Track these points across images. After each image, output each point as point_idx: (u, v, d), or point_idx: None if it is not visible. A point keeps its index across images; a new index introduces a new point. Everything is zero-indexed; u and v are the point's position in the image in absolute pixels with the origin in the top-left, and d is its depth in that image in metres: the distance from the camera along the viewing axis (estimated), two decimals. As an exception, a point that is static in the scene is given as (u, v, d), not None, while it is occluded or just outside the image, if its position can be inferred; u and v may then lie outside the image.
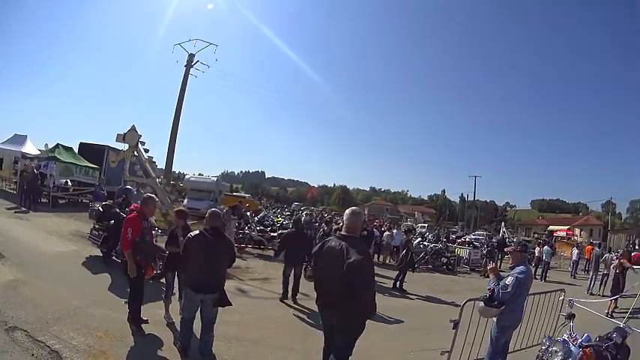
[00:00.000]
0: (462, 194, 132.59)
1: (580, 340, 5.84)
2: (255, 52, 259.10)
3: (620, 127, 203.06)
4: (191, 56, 43.59)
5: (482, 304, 7.00)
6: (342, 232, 5.58)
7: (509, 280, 6.75)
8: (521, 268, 6.99)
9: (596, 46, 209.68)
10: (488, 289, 7.02)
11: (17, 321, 7.02)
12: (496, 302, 6.82)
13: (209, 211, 7.16)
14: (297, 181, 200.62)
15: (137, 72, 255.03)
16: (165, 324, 8.24)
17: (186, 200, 32.68)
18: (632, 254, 18.64)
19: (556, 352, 5.66)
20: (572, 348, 5.57)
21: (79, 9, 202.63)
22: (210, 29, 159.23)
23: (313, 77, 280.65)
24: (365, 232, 16.56)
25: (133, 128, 21.99)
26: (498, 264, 29.05)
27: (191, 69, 43.88)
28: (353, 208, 5.85)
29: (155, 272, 8.57)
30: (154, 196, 9.28)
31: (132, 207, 8.45)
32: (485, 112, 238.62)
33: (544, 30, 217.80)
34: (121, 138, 21.90)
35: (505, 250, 14.94)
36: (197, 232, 6.84)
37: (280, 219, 32.20)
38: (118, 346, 6.86)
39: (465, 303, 7.56)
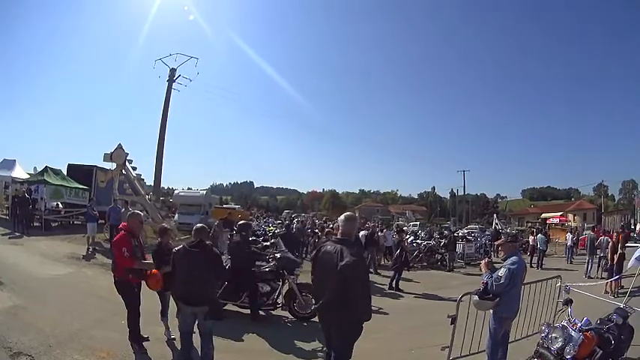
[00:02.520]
0: (452, 190, 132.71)
1: (580, 325, 5.80)
2: (237, 61, 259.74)
3: (604, 110, 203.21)
4: (172, 71, 43.15)
5: (476, 297, 7.08)
6: (338, 237, 5.73)
7: (501, 272, 6.83)
8: (513, 259, 7.06)
9: (577, 31, 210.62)
10: (482, 283, 7.09)
11: (21, 346, 7.06)
12: (490, 295, 6.90)
13: (195, 225, 7.24)
14: (287, 189, 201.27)
15: (120, 89, 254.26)
16: (166, 340, 8.28)
17: (177, 215, 32.81)
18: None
19: (556, 338, 5.66)
20: (573, 333, 5.57)
21: (61, 28, 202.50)
22: (190, 42, 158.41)
23: (297, 83, 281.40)
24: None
25: (120, 147, 22.09)
26: (496, 255, 29.39)
27: (173, 83, 43.75)
28: (347, 214, 6.06)
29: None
30: (139, 212, 9.31)
31: (120, 226, 8.42)
32: (469, 106, 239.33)
33: (524, 17, 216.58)
34: (109, 157, 22.06)
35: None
36: (180, 246, 6.99)
37: (272, 228, 32.23)
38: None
39: (460, 297, 7.71)
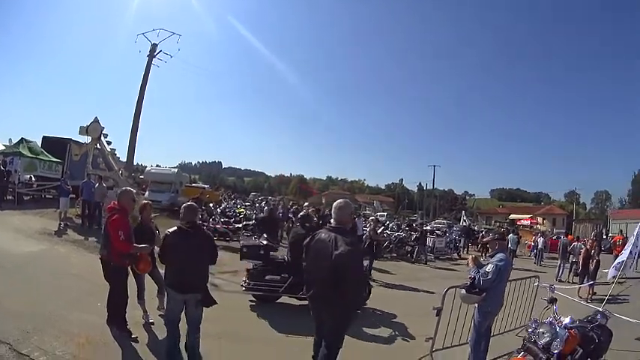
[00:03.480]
0: (420, 183, 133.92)
1: (565, 322, 6.00)
2: (214, 40, 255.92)
3: (578, 119, 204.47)
4: (154, 46, 42.83)
5: (463, 291, 7.20)
6: (332, 225, 5.66)
7: (489, 268, 6.95)
8: (500, 255, 7.24)
9: (554, 31, 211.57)
10: (469, 277, 7.20)
11: None
12: (477, 289, 7.03)
13: (185, 205, 6.78)
14: (254, 171, 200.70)
15: (99, 62, 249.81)
16: (143, 324, 8.08)
17: (147, 193, 31.89)
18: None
19: (543, 333, 5.82)
20: (559, 329, 5.74)
21: None
22: (167, 18, 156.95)
23: (270, 66, 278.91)
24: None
25: (96, 120, 21.68)
26: (466, 251, 29.82)
27: (153, 59, 43.34)
28: (340, 200, 5.96)
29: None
30: (130, 189, 8.74)
31: (110, 206, 7.84)
32: (442, 103, 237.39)
33: (500, 15, 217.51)
34: (84, 131, 21.59)
35: (482, 239, 15.13)
36: (175, 228, 6.48)
37: (242, 210, 32.28)
38: (104, 353, 6.72)
39: (446, 290, 7.80)
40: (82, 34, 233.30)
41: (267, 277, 10.48)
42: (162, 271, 7.08)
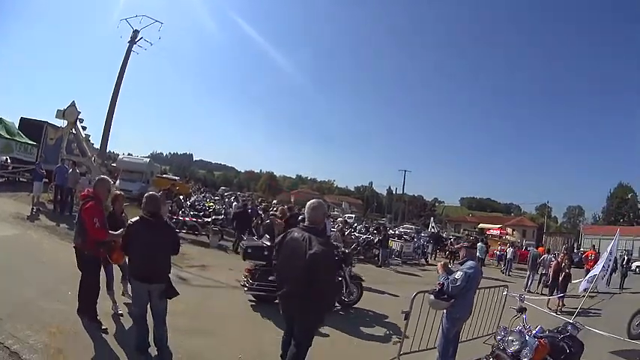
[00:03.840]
0: (390, 187, 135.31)
1: (534, 332, 6.16)
2: (194, 30, 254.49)
3: (551, 134, 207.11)
4: (135, 32, 42.47)
5: (432, 297, 7.28)
6: (305, 224, 5.70)
7: (458, 275, 7.06)
8: (470, 263, 7.36)
9: (530, 40, 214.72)
10: (438, 284, 7.29)
11: None
12: (446, 295, 7.12)
13: (147, 194, 6.77)
14: (225, 165, 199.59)
15: (80, 44, 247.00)
16: (112, 314, 8.07)
17: (118, 181, 31.49)
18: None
19: (512, 341, 5.96)
20: (528, 338, 5.89)
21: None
22: (150, 6, 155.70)
23: (244, 61, 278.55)
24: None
25: (73, 104, 21.51)
26: (433, 257, 30.05)
27: (134, 46, 43.10)
28: (313, 201, 6.01)
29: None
30: (106, 178, 8.51)
31: (85, 192, 7.66)
32: (414, 110, 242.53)
33: (480, 25, 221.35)
34: (61, 114, 21.38)
35: (451, 246, 15.30)
36: (137, 218, 6.49)
37: (212, 204, 32.03)
38: (74, 343, 6.66)
39: (415, 295, 7.87)
40: (65, 16, 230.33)
41: (270, 278, 10.22)
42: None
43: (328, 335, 7.60)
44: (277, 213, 16.37)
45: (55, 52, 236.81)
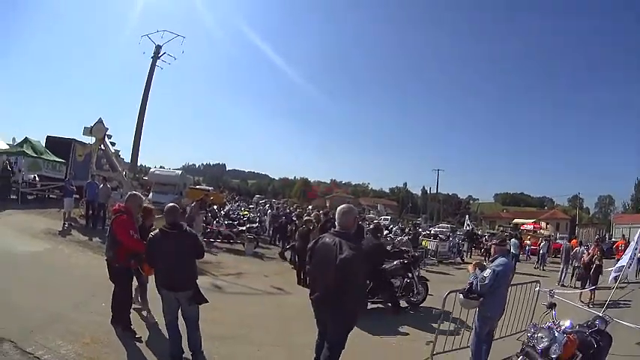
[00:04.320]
0: (424, 187, 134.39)
1: (564, 327, 5.98)
2: (218, 42, 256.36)
3: (583, 123, 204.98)
4: (158, 47, 43.18)
5: (462, 296, 7.28)
6: (337, 229, 5.72)
7: (486, 273, 6.99)
8: (500, 260, 7.26)
9: (565, 39, 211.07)
10: (468, 283, 7.25)
11: (1, 331, 6.70)
12: (475, 294, 7.09)
13: (167, 206, 6.85)
14: (258, 173, 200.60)
15: (103, 63, 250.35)
16: (146, 324, 8.11)
17: (151, 194, 31.89)
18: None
19: (542, 338, 5.81)
20: (557, 334, 5.74)
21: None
22: (177, 19, 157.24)
23: (274, 68, 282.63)
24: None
25: (100, 121, 21.76)
26: (469, 255, 29.68)
27: (158, 60, 43.48)
28: (344, 206, 5.97)
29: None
30: (138, 193, 8.86)
31: (116, 207, 7.87)
32: (446, 107, 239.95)
33: (515, 21, 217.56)
34: (89, 131, 21.67)
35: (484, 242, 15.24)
36: (157, 231, 6.69)
37: (246, 212, 32.04)
38: (107, 352, 6.72)
39: (447, 294, 7.79)
40: (88, 34, 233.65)
41: None
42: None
43: (360, 336, 7.53)
44: (312, 218, 16.35)
45: (78, 70, 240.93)
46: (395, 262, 12.09)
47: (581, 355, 5.90)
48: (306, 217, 16.50)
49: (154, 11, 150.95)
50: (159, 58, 43.36)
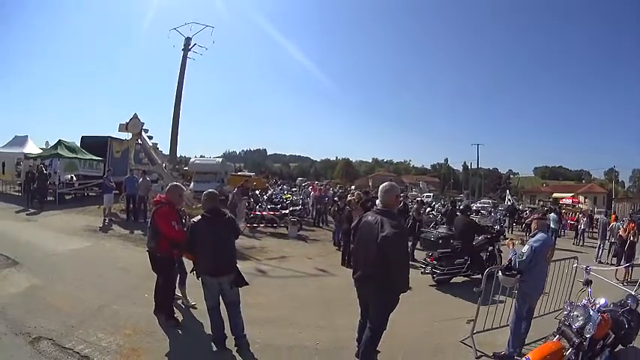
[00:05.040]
0: (465, 163, 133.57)
1: (599, 305, 5.93)
2: (251, 29, 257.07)
3: (620, 96, 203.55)
4: (188, 40, 43.19)
5: (500, 273, 7.29)
6: (379, 207, 5.76)
7: (524, 249, 6.95)
8: (538, 235, 7.17)
9: (603, 15, 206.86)
10: (507, 260, 7.33)
11: (40, 330, 6.82)
12: (513, 271, 7.06)
13: (205, 192, 6.99)
14: (299, 156, 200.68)
15: (133, 59, 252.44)
16: (187, 311, 8.27)
17: (192, 184, 32.06)
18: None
19: (577, 316, 5.77)
20: (592, 313, 5.68)
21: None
22: (213, 12, 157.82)
23: (313, 52, 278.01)
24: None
25: (135, 116, 21.97)
26: (510, 231, 29.32)
27: (189, 52, 43.68)
28: (386, 184, 6.02)
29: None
30: (178, 184, 8.88)
31: (157, 199, 7.97)
32: (486, 80, 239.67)
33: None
34: (124, 127, 21.93)
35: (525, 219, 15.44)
36: (199, 217, 6.74)
37: (289, 196, 32.03)
38: (150, 342, 6.82)
39: (486, 272, 7.83)
40: (112, 33, 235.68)
41: (456, 262, 12.08)
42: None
43: (401, 316, 7.53)
44: (355, 198, 16.42)
45: (111, 71, 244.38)
46: (480, 238, 13.04)
47: (613, 335, 5.93)
48: (349, 198, 16.49)
49: (182, 3, 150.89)
50: (190, 50, 43.49)
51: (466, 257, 12.19)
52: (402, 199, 11.78)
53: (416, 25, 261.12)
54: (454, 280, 12.25)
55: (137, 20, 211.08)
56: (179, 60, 43.88)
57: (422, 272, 12.26)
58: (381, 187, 5.94)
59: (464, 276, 12.34)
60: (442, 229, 14.65)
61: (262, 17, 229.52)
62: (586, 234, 28.12)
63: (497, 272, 7.40)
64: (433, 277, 11.91)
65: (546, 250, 7.21)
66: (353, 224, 6.29)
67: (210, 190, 7.13)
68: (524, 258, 6.84)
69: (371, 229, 5.45)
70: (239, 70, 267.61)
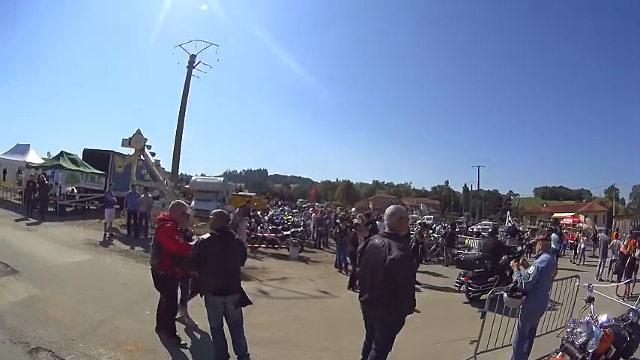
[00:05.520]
0: (466, 184, 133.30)
1: (601, 321, 6.04)
2: (251, 48, 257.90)
3: (617, 113, 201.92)
4: (192, 57, 43.52)
5: (505, 295, 7.26)
6: (386, 231, 5.74)
7: (530, 270, 7.03)
8: (543, 257, 7.30)
9: (598, 33, 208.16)
10: (513, 281, 7.30)
11: (40, 341, 6.71)
12: (519, 292, 7.09)
13: (214, 211, 6.99)
14: (300, 177, 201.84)
15: (138, 75, 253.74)
16: (185, 329, 8.16)
17: (193, 202, 31.70)
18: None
19: (580, 332, 5.85)
20: (594, 328, 5.77)
21: (76, 12, 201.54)
22: (215, 31, 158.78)
23: (314, 71, 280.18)
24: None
25: (139, 132, 21.95)
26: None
27: (193, 70, 43.87)
28: (391, 207, 6.00)
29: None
30: (181, 201, 8.86)
31: (160, 216, 7.93)
32: (484, 102, 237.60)
33: (549, 21, 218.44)
34: (127, 143, 21.86)
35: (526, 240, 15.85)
36: (208, 235, 6.67)
37: (290, 217, 31.95)
38: (151, 359, 6.75)
39: (491, 293, 7.87)
40: (120, 47, 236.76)
41: (488, 280, 12.82)
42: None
43: (405, 337, 7.53)
44: (357, 220, 16.52)
45: (115, 86, 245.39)
46: (504, 257, 13.75)
47: (615, 349, 5.94)
48: (355, 221, 16.51)
49: (188, 21, 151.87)
50: (194, 67, 43.70)
51: (496, 275, 12.97)
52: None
53: (418, 48, 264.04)
54: (456, 299, 12.57)
55: (145, 33, 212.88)
56: (184, 76, 44.17)
57: (457, 290, 13.51)
58: (387, 210, 5.95)
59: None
60: (474, 251, 15.23)
61: (268, 36, 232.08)
62: (586, 253, 28.21)
63: (503, 293, 7.37)
64: (468, 295, 12.85)
65: (551, 270, 7.44)
66: (359, 247, 6.24)
67: (219, 209, 7.19)
68: (530, 279, 6.92)
69: (378, 252, 5.46)
70: (243, 89, 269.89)
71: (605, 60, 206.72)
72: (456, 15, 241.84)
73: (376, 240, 5.71)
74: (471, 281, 12.95)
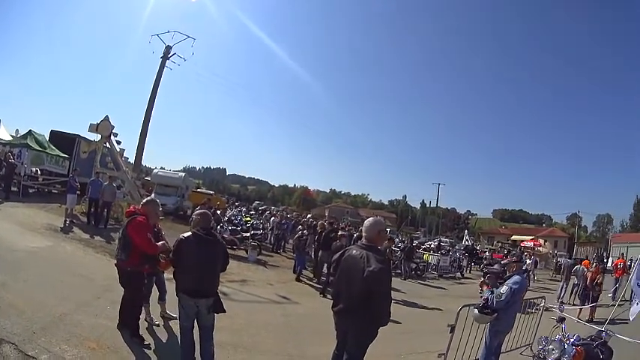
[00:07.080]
0: (423, 200, 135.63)
1: (572, 340, 6.41)
2: (218, 45, 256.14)
3: (581, 143, 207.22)
4: (168, 48, 42.99)
5: (476, 311, 7.43)
6: (364, 242, 5.74)
7: (503, 290, 7.20)
8: (515, 278, 7.49)
9: (564, 50, 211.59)
10: (482, 299, 7.46)
11: (2, 332, 6.48)
12: (490, 310, 7.26)
13: (199, 211, 7.01)
14: (258, 179, 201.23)
15: (111, 60, 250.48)
16: (153, 330, 7.99)
17: (153, 195, 31.51)
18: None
19: (552, 350, 6.24)
20: (567, 346, 6.16)
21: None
22: (183, 20, 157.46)
23: (278, 75, 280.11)
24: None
25: (107, 119, 21.68)
26: (468, 270, 29.82)
27: (167, 61, 43.53)
28: (371, 218, 6.06)
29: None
30: (155, 200, 8.49)
31: (131, 209, 7.78)
32: (446, 121, 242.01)
33: (504, 50, 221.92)
34: (94, 128, 21.57)
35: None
36: (189, 233, 6.46)
37: (249, 218, 31.74)
38: (114, 359, 6.57)
39: (460, 308, 8.00)
40: (98, 31, 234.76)
41: None
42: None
43: (373, 350, 7.50)
44: (345, 233, 16.84)
45: (87, 69, 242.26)
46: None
47: None
48: (340, 233, 16.43)
49: (165, 11, 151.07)
50: (168, 58, 43.26)
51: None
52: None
53: (384, 62, 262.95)
54: (427, 310, 13.03)
55: (125, 21, 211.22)
56: (157, 67, 43.81)
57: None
58: (366, 221, 5.98)
59: None
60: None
61: (232, 37, 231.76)
62: (534, 274, 28.45)
63: (474, 309, 7.51)
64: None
65: (523, 291, 7.72)
66: (335, 257, 6.22)
67: (203, 210, 7.21)
68: (502, 298, 7.10)
69: (356, 263, 5.44)
70: (206, 87, 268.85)
71: (568, 85, 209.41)
72: (419, 33, 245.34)
73: (354, 251, 5.71)
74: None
